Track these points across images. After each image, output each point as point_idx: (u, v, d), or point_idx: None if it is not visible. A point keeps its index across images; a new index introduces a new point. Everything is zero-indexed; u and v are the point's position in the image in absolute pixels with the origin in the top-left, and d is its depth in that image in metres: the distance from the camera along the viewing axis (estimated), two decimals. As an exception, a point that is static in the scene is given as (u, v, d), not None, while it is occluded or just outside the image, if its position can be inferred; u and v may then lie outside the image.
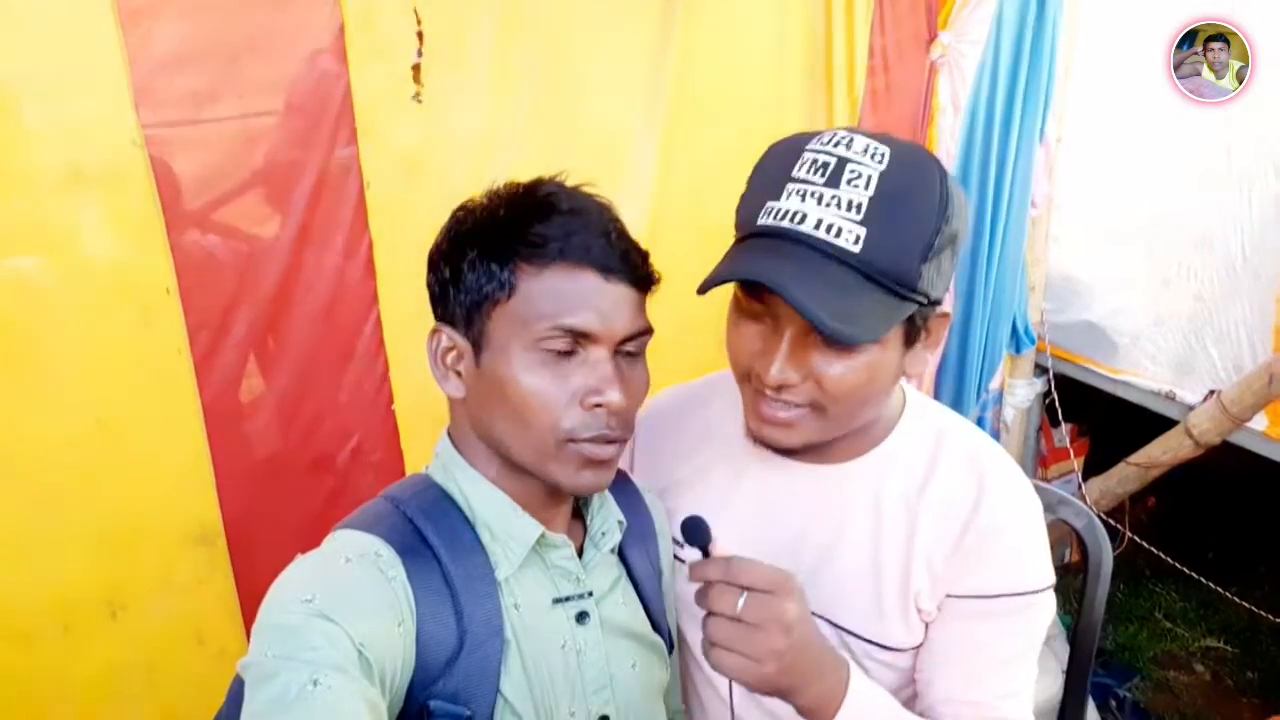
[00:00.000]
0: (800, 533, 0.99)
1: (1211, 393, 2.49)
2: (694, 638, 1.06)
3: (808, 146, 0.85)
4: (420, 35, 1.54)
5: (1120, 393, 2.75)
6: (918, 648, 0.97)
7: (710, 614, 0.77)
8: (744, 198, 0.90)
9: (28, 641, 1.43)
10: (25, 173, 1.29)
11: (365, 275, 1.60)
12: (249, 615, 1.61)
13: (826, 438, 0.92)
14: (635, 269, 0.83)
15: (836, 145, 0.83)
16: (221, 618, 1.60)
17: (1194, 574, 2.86)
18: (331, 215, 1.55)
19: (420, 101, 1.58)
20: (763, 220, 0.84)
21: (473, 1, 1.60)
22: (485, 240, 0.81)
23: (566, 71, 1.75)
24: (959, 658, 0.94)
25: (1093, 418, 3.14)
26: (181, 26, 1.36)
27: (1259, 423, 2.41)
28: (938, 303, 0.89)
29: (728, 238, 0.91)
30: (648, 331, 0.85)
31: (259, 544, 1.60)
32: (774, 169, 0.87)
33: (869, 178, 0.81)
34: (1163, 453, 2.65)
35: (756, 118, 2.03)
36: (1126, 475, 2.79)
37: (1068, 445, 3.00)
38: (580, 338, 0.80)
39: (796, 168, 0.84)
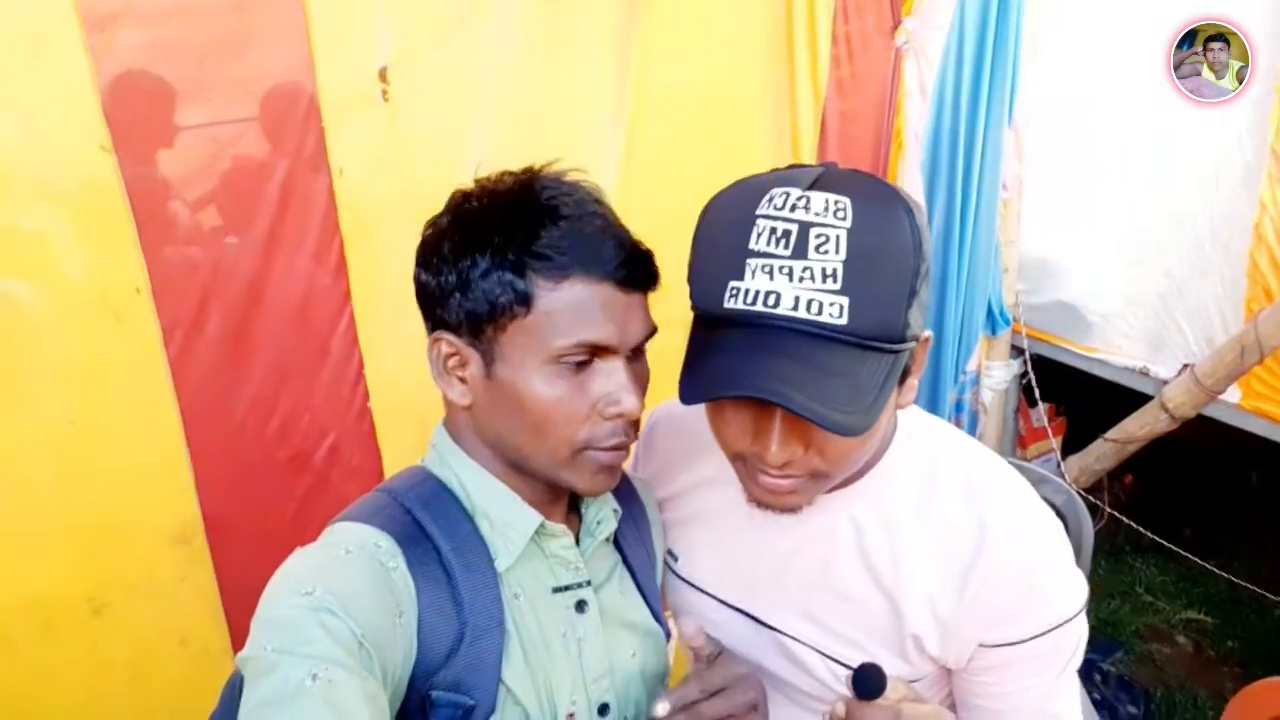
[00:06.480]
0: (785, 560, 0.97)
1: (1185, 367, 2.52)
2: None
3: (759, 213, 0.75)
4: (387, 36, 1.55)
5: (1095, 370, 2.79)
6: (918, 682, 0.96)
7: None
8: (696, 270, 0.81)
9: (7, 641, 1.44)
10: (-7, 176, 1.30)
11: (338, 274, 1.61)
12: (232, 614, 1.62)
13: (827, 489, 0.89)
14: (645, 274, 0.82)
15: (794, 210, 0.74)
16: (204, 617, 1.60)
17: (1174, 546, 2.89)
18: (301, 215, 1.56)
19: (388, 100, 1.59)
20: (730, 304, 0.75)
21: (438, 1, 1.61)
22: (495, 249, 0.78)
23: (532, 68, 1.75)
24: (1014, 705, 0.92)
25: (1069, 397, 3.17)
26: (147, 31, 1.37)
27: (1232, 395, 2.44)
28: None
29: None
30: (654, 331, 0.85)
31: (240, 542, 1.60)
32: (727, 240, 0.77)
33: (837, 239, 0.72)
34: (1139, 427, 2.68)
35: (720, 109, 2.04)
36: (1104, 452, 2.82)
37: (1045, 425, 3.03)
38: (599, 350, 0.79)
39: (754, 239, 0.74)
